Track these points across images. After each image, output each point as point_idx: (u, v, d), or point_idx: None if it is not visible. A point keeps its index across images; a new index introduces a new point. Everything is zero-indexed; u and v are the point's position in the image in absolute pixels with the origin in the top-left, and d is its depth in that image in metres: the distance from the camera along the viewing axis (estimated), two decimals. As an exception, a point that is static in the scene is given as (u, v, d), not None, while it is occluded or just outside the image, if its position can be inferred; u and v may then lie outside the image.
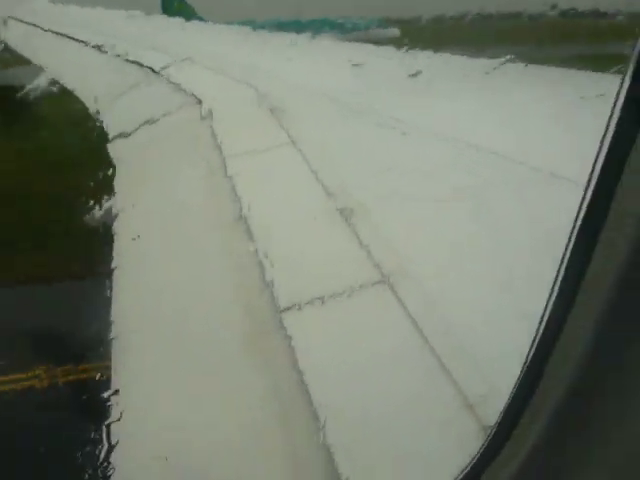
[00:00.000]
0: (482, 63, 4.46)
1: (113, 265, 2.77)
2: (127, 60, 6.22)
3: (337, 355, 1.78)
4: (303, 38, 7.82)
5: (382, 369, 1.70)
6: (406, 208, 2.42)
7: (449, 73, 4.53)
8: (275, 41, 7.55)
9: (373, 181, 2.67)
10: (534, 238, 2.08)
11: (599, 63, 4.31)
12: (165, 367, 2.09)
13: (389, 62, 5.12)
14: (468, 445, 1.39)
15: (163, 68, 5.36)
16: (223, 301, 2.26)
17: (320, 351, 1.81)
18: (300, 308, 1.95)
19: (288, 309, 1.95)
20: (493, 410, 1.43)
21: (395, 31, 31.69)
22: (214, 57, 5.83)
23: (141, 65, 5.76)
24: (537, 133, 3.00)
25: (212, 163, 3.28)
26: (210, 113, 3.97)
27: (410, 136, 3.11)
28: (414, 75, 4.42)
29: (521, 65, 4.38)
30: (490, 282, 1.91)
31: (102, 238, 3.19)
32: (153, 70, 5.47)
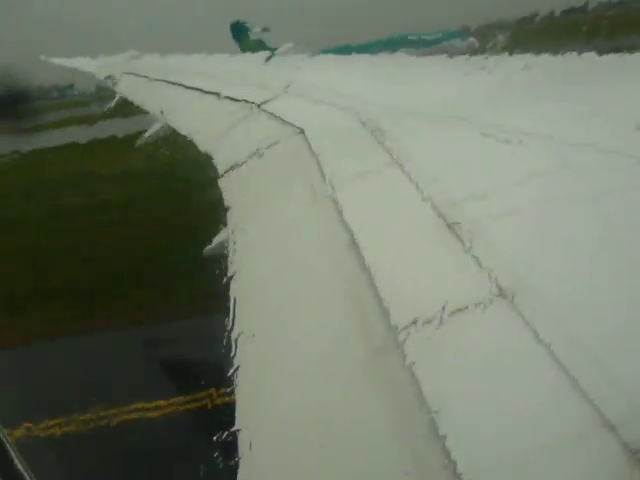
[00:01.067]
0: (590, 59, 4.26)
1: (231, 293, 2.93)
2: (229, 98, 6.56)
3: (460, 375, 1.74)
4: (391, 57, 7.85)
5: (508, 388, 1.65)
6: (521, 220, 2.34)
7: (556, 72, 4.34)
8: (362, 64, 7.63)
9: (484, 195, 2.61)
10: None
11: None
12: (286, 394, 2.15)
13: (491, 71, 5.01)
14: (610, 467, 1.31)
15: (264, 102, 5.60)
16: (339, 323, 2.29)
17: (442, 371, 1.78)
18: (418, 327, 1.93)
19: (405, 328, 1.95)
20: (636, 430, 1.34)
21: (474, 41, 30.83)
22: (311, 87, 6.01)
23: (243, 101, 6.06)
24: None
25: (318, 189, 3.37)
26: (312, 142, 4.09)
27: (520, 144, 3.01)
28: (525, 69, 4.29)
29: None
30: (619, 293, 1.80)
31: (219, 268, 3.37)
32: (255, 104, 5.73)
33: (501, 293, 1.91)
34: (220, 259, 3.50)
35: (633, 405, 1.39)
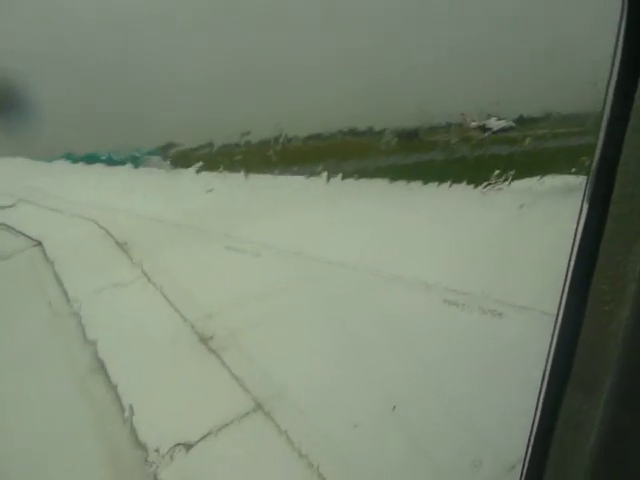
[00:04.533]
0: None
1: None
2: None
3: None
4: (125, 169, 7.69)
5: None
6: (273, 329, 2.47)
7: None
8: (96, 173, 7.46)
9: (231, 305, 2.70)
10: (392, 339, 2.24)
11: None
12: None
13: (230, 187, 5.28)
14: None
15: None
16: (88, 453, 2.06)
17: None
18: (174, 455, 1.85)
19: (164, 455, 1.84)
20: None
21: (159, 159, 32.37)
22: (46, 195, 5.63)
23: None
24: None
25: (58, 306, 3.09)
26: (50, 254, 3.78)
27: (259, 256, 3.23)
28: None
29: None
30: (362, 390, 2.00)
31: None
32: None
33: (258, 407, 1.96)
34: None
35: None
